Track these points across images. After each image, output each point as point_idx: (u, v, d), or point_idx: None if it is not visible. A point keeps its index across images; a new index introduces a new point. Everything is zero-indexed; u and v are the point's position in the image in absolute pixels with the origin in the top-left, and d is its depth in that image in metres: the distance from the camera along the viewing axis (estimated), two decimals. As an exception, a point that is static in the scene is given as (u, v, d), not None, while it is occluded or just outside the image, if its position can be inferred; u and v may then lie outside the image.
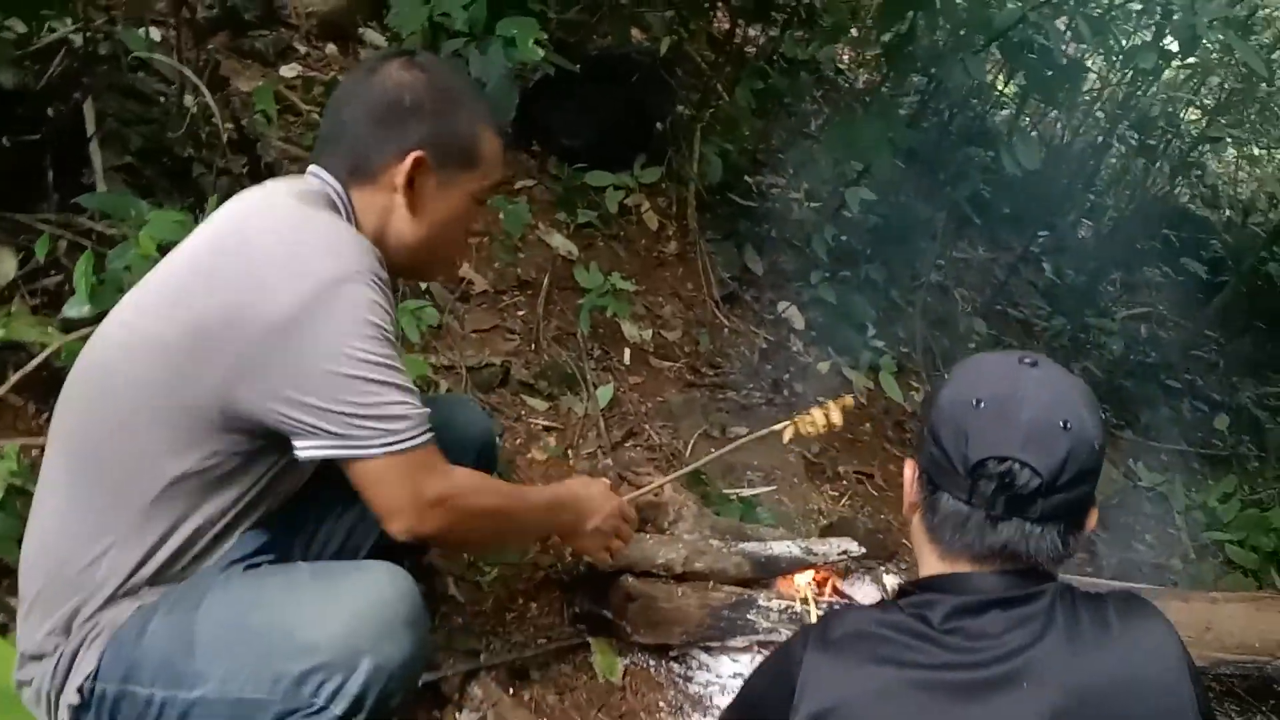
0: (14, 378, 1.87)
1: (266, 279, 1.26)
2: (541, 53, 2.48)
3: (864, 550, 2.36)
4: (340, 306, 1.24)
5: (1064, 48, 3.83)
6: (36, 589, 1.34)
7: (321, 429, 1.25)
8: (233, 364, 1.24)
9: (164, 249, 1.99)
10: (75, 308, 1.76)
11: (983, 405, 1.13)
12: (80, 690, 1.31)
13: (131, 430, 1.31)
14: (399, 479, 1.30)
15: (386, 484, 1.30)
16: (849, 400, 1.89)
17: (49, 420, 2.22)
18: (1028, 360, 1.18)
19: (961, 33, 3.64)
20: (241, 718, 1.28)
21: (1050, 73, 3.74)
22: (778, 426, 1.87)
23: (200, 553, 1.37)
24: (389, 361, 1.27)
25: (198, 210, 2.50)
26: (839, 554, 2.30)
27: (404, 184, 1.40)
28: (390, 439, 1.28)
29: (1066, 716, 1.03)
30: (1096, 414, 1.15)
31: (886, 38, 3.72)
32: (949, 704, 1.04)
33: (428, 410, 1.34)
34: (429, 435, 1.33)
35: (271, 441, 1.32)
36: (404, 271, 1.52)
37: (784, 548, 2.26)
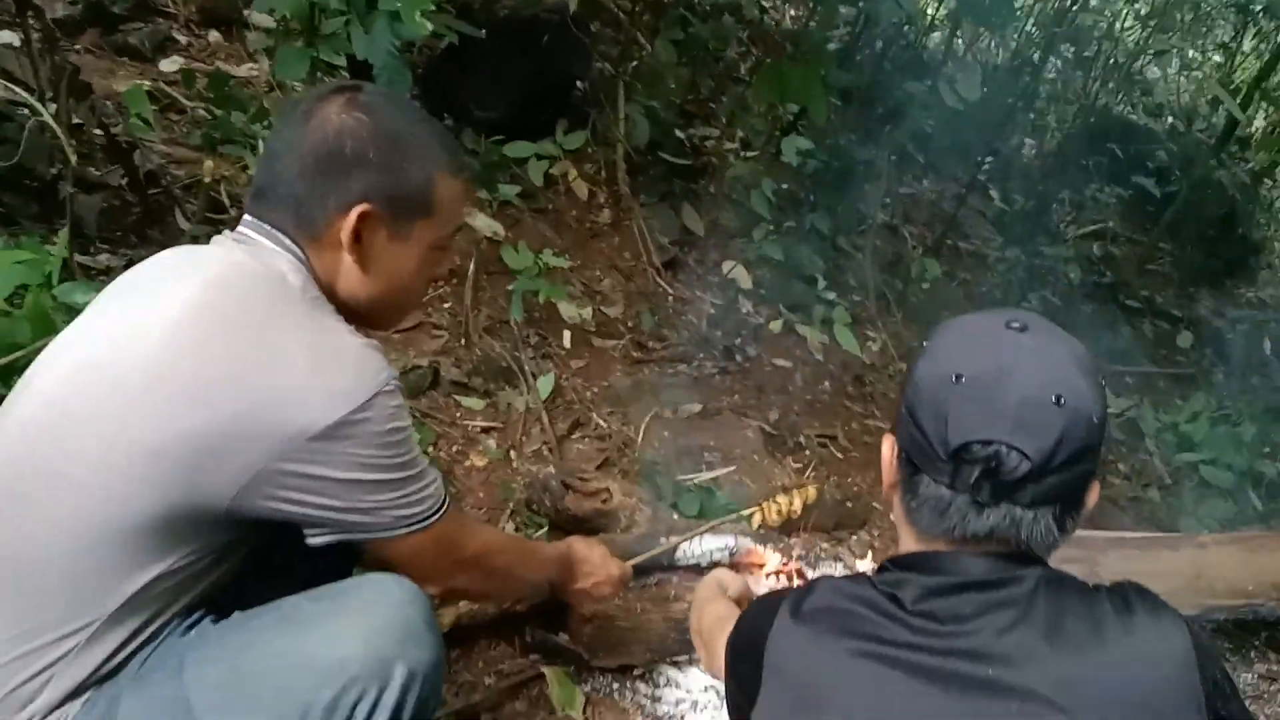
0: None
1: (291, 392, 1.15)
2: (430, 26, 2.23)
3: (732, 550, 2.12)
4: (370, 423, 1.18)
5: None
6: None
7: (342, 522, 1.23)
8: (246, 473, 1.14)
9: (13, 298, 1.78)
10: (-97, 378, 1.52)
11: (964, 381, 1.01)
12: None
13: (97, 539, 1.13)
14: (428, 553, 1.33)
15: (418, 561, 1.33)
16: (812, 491, 2.10)
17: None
18: (1015, 324, 1.05)
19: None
20: None
21: (984, -4, 3.57)
22: (746, 512, 1.99)
23: (160, 642, 1.22)
24: (410, 456, 1.26)
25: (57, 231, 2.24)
26: (720, 549, 2.07)
27: (350, 241, 1.27)
28: (414, 521, 1.28)
29: (1028, 717, 0.93)
30: (1095, 381, 1.02)
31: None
32: (908, 683, 0.96)
33: (439, 477, 1.33)
34: (448, 504, 1.34)
35: (267, 526, 1.21)
36: (354, 323, 1.35)
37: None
